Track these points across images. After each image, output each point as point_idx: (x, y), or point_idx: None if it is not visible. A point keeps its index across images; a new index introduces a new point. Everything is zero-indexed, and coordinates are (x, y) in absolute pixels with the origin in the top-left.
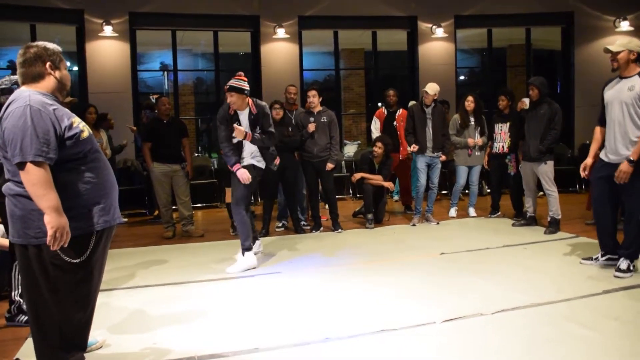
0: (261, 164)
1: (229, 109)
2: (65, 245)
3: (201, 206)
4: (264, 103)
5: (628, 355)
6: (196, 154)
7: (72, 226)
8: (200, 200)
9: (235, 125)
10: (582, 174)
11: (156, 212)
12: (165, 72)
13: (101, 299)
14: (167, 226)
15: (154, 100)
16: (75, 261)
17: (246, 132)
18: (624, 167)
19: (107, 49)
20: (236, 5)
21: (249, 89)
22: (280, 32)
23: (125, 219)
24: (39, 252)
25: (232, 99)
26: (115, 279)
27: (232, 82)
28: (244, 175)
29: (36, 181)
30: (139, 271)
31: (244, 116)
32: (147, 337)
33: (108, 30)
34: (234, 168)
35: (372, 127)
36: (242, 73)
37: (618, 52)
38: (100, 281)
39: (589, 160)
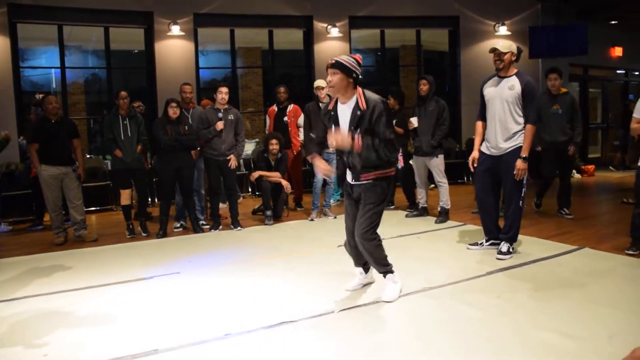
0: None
1: (329, 104)
2: None
3: (95, 210)
4: (379, 98)
5: (508, 328)
6: (88, 156)
7: None
8: (93, 203)
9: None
10: (471, 168)
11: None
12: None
13: None
14: (58, 232)
15: (40, 99)
16: None
17: (353, 138)
18: (520, 164)
19: None
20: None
21: (359, 73)
22: (175, 30)
23: (10, 227)
24: None
25: (333, 78)
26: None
27: (340, 57)
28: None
29: None
30: (26, 281)
31: (345, 111)
32: (37, 349)
33: None
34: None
35: (266, 125)
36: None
37: (505, 53)
38: None
39: (475, 154)
